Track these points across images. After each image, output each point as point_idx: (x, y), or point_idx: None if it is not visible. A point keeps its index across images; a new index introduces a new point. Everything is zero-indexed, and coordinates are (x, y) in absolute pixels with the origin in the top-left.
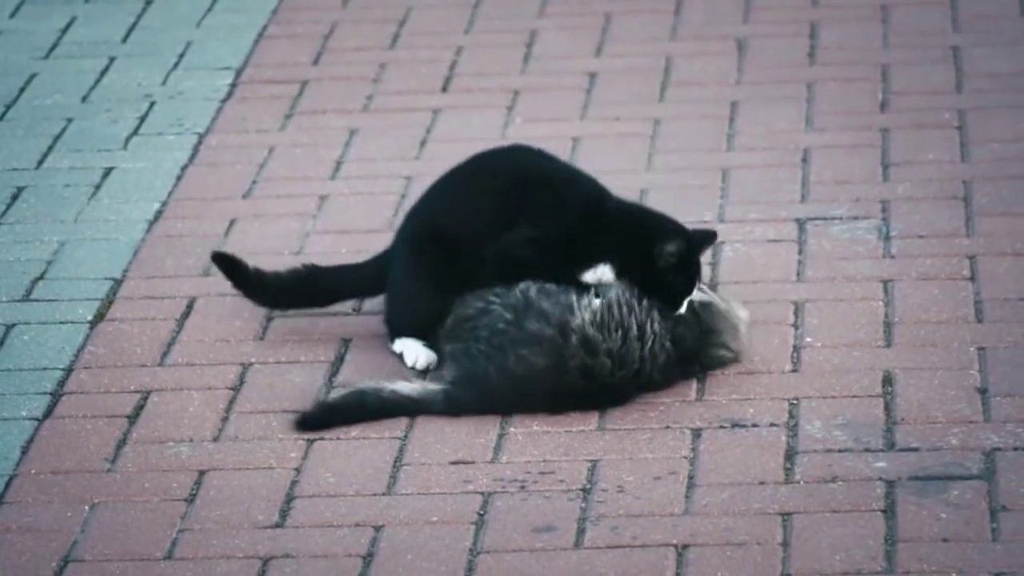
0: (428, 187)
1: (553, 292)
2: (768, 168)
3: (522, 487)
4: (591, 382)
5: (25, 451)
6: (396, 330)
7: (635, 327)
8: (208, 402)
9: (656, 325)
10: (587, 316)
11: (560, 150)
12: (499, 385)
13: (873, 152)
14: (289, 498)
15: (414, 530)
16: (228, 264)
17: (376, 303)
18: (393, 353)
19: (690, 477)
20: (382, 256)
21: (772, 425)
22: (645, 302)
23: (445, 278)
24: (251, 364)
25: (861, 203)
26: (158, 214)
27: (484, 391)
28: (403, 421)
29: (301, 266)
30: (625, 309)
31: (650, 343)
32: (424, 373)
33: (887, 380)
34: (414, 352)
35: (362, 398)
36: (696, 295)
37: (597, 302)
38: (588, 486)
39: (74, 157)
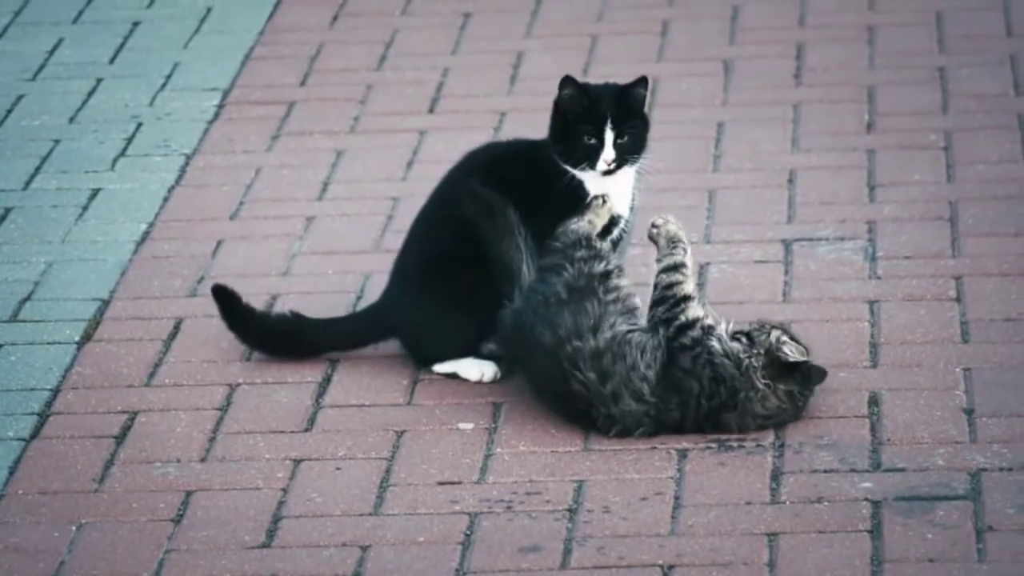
0: (414, 221)
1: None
2: (754, 189)
3: (508, 507)
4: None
5: (12, 471)
6: (439, 358)
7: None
8: (195, 422)
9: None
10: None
11: None
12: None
13: (859, 173)
14: (276, 518)
15: (400, 550)
16: (226, 300)
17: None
18: (442, 375)
19: (676, 497)
20: (368, 311)
21: (758, 445)
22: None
23: (470, 292)
24: (238, 385)
25: (847, 224)
26: (145, 235)
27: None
28: (390, 441)
29: (289, 313)
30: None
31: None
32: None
33: (873, 400)
34: (478, 368)
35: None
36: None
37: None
38: (574, 506)
39: (61, 178)
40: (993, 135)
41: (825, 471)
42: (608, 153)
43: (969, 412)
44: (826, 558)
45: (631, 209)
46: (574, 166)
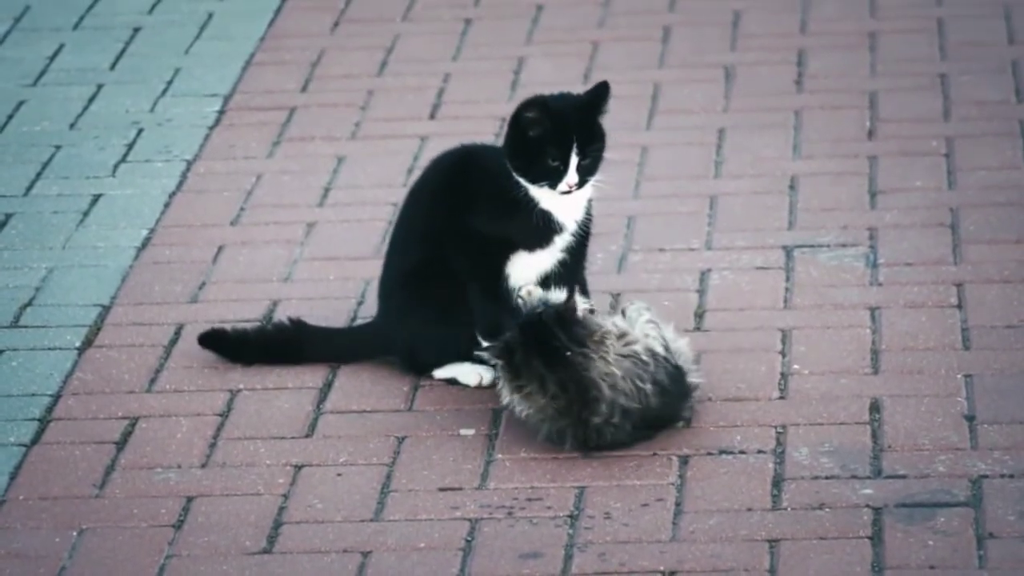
0: (391, 234)
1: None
2: (755, 195)
3: (509, 513)
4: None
5: (13, 477)
6: (436, 364)
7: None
8: (196, 428)
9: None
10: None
11: None
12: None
13: (860, 179)
14: (277, 524)
15: (401, 556)
16: (215, 342)
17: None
18: (442, 381)
19: (677, 504)
20: (368, 326)
21: (759, 452)
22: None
23: (452, 299)
24: (239, 390)
25: (848, 230)
26: (146, 241)
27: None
28: (391, 447)
29: (288, 321)
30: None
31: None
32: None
33: (874, 407)
34: (476, 373)
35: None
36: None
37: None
38: (575, 512)
39: (62, 184)
40: (994, 142)
41: (826, 477)
42: (572, 177)
43: (970, 419)
44: (827, 564)
45: (585, 221)
46: (532, 182)
